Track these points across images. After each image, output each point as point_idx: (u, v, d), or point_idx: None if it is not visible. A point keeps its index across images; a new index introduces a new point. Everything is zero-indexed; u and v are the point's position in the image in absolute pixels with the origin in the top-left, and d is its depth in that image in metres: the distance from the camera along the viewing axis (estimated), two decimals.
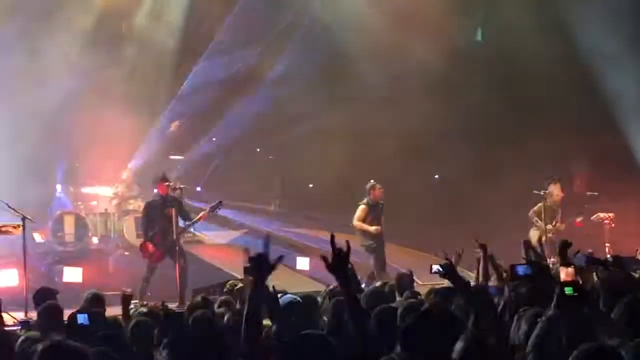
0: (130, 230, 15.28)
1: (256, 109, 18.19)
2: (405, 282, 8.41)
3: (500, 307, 5.63)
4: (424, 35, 16.87)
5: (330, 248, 4.24)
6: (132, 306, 7.80)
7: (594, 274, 7.10)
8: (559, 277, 6.72)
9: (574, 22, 16.39)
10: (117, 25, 17.25)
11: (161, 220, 12.50)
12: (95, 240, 15.83)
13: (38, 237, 15.35)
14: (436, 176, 18.98)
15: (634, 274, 7.83)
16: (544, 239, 13.82)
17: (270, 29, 18.00)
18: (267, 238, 4.12)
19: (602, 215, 15.14)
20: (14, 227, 11.83)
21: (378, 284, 9.02)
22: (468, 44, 18.40)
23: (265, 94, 18.26)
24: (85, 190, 16.45)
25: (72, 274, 12.40)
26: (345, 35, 17.62)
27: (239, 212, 18.18)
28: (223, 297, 8.13)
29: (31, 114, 15.54)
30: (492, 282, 7.24)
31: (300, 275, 13.38)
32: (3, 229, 11.92)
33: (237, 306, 7.45)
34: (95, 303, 7.58)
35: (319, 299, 7.31)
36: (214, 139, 18.99)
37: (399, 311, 5.52)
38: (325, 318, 6.30)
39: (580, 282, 6.80)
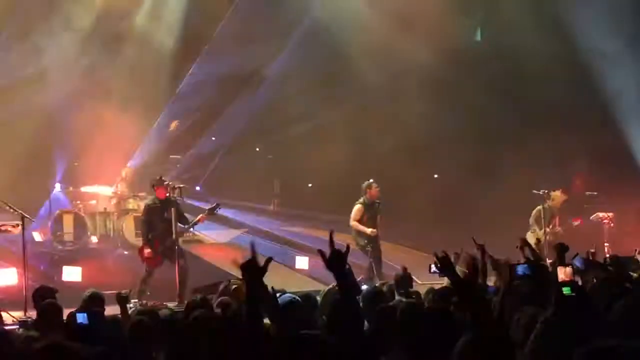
0: (129, 230, 15.28)
1: (256, 108, 18.20)
2: (404, 281, 8.41)
3: (499, 307, 5.63)
4: (423, 35, 16.88)
5: (329, 246, 4.23)
6: (131, 305, 7.80)
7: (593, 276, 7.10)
8: (557, 277, 6.72)
9: (573, 21, 16.39)
10: (116, 25, 17.24)
11: (160, 223, 12.49)
12: (94, 239, 15.84)
13: (37, 236, 15.36)
14: (436, 175, 18.99)
15: (632, 273, 7.84)
16: (542, 240, 13.82)
17: (270, 29, 17.99)
18: (252, 245, 4.14)
19: (601, 214, 15.15)
20: (13, 226, 11.84)
21: (377, 283, 9.02)
22: (468, 44, 18.41)
23: (265, 93, 18.28)
24: (85, 189, 16.45)
25: (72, 273, 12.39)
26: (345, 35, 17.62)
27: (238, 212, 18.20)
28: (222, 297, 8.12)
29: (31, 113, 15.55)
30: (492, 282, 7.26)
31: (300, 274, 13.40)
32: (2, 228, 11.93)
33: (236, 306, 7.44)
34: (94, 302, 7.57)
35: (318, 298, 7.31)
36: (213, 138, 19.01)
37: (397, 310, 5.51)
38: (324, 317, 6.30)
39: (581, 283, 6.80)
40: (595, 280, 6.90)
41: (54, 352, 4.29)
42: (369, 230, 13.46)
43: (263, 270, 4.06)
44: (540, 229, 14.55)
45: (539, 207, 14.84)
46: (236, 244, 16.54)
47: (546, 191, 14.82)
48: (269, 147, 20.28)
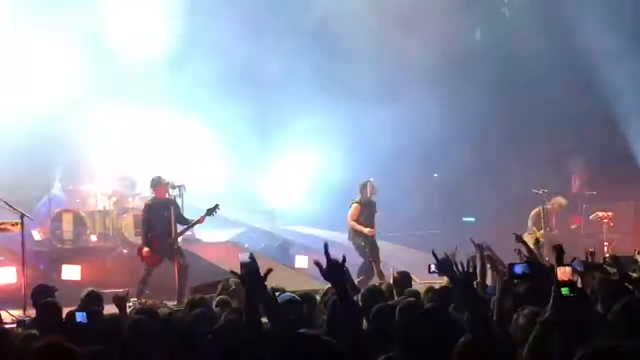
0: (128, 228, 15.26)
1: (255, 108, 18.18)
2: (403, 280, 8.40)
3: (497, 306, 5.63)
4: (423, 35, 16.87)
5: (326, 258, 4.21)
6: (130, 304, 7.79)
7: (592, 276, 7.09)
8: (556, 277, 6.70)
9: (573, 21, 16.39)
10: (116, 24, 17.22)
11: (160, 222, 12.48)
12: (93, 238, 15.82)
13: (37, 235, 15.35)
14: (436, 175, 18.98)
15: (632, 273, 7.82)
16: (541, 241, 13.84)
17: (270, 28, 17.98)
18: (252, 256, 4.13)
19: (600, 214, 15.16)
20: (13, 225, 11.83)
21: (377, 282, 9.01)
22: (468, 44, 18.40)
23: (265, 92, 18.26)
24: (84, 188, 16.44)
25: (71, 272, 12.40)
26: (346, 35, 17.61)
27: (238, 210, 18.17)
28: (221, 296, 8.12)
29: (30, 111, 15.55)
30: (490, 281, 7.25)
31: (299, 273, 13.39)
32: (2, 226, 11.92)
33: (235, 305, 7.44)
34: (92, 301, 7.56)
35: (317, 297, 7.31)
36: (213, 136, 18.95)
37: (397, 310, 5.51)
38: (324, 317, 6.29)
39: (581, 284, 6.79)
40: (595, 280, 6.89)
41: (53, 351, 4.29)
42: (366, 230, 13.45)
43: (262, 280, 4.06)
44: (539, 230, 14.57)
45: (538, 208, 14.86)
46: (235, 242, 16.55)
47: (546, 191, 14.83)
48: (269, 145, 20.24)
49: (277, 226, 18.33)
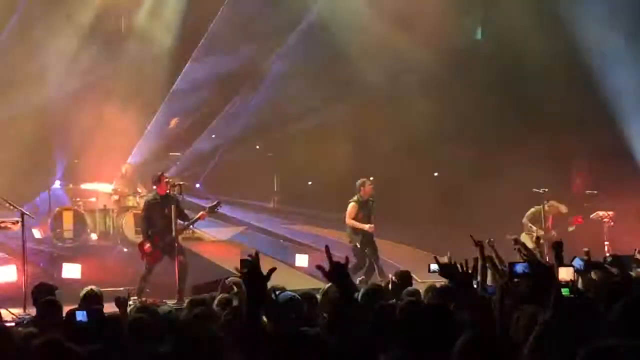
0: (129, 227, 15.27)
1: (255, 107, 18.19)
2: (403, 279, 8.41)
3: (498, 306, 5.63)
4: (423, 35, 16.87)
5: (328, 261, 4.21)
6: (130, 302, 7.78)
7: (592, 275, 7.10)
8: (556, 277, 6.70)
9: (574, 20, 16.39)
10: (116, 23, 17.24)
11: (161, 219, 12.47)
12: (94, 236, 15.84)
13: (37, 233, 15.36)
14: (436, 174, 18.98)
15: (632, 273, 7.83)
16: (541, 240, 13.84)
17: (270, 27, 17.98)
18: (257, 254, 4.13)
19: (601, 213, 15.16)
20: (13, 223, 11.84)
21: (378, 280, 9.02)
22: (468, 44, 18.40)
23: (265, 91, 18.27)
24: (85, 186, 16.45)
25: (71, 270, 12.39)
26: (345, 35, 17.61)
27: (238, 209, 18.19)
28: (221, 296, 8.11)
29: (30, 110, 15.55)
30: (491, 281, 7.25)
31: (299, 272, 13.39)
32: (2, 225, 11.94)
33: (235, 304, 7.43)
34: (92, 300, 7.55)
35: (317, 296, 7.31)
36: (213, 135, 18.99)
37: (397, 309, 5.51)
38: (325, 315, 6.30)
39: (581, 284, 6.79)
40: (595, 280, 6.90)
41: (53, 349, 4.30)
42: (367, 226, 13.46)
43: (266, 279, 4.05)
44: (540, 229, 14.56)
45: (535, 208, 14.86)
46: (236, 241, 16.56)
47: (546, 190, 14.83)
48: (269, 144, 20.27)
49: (277, 225, 18.35)
